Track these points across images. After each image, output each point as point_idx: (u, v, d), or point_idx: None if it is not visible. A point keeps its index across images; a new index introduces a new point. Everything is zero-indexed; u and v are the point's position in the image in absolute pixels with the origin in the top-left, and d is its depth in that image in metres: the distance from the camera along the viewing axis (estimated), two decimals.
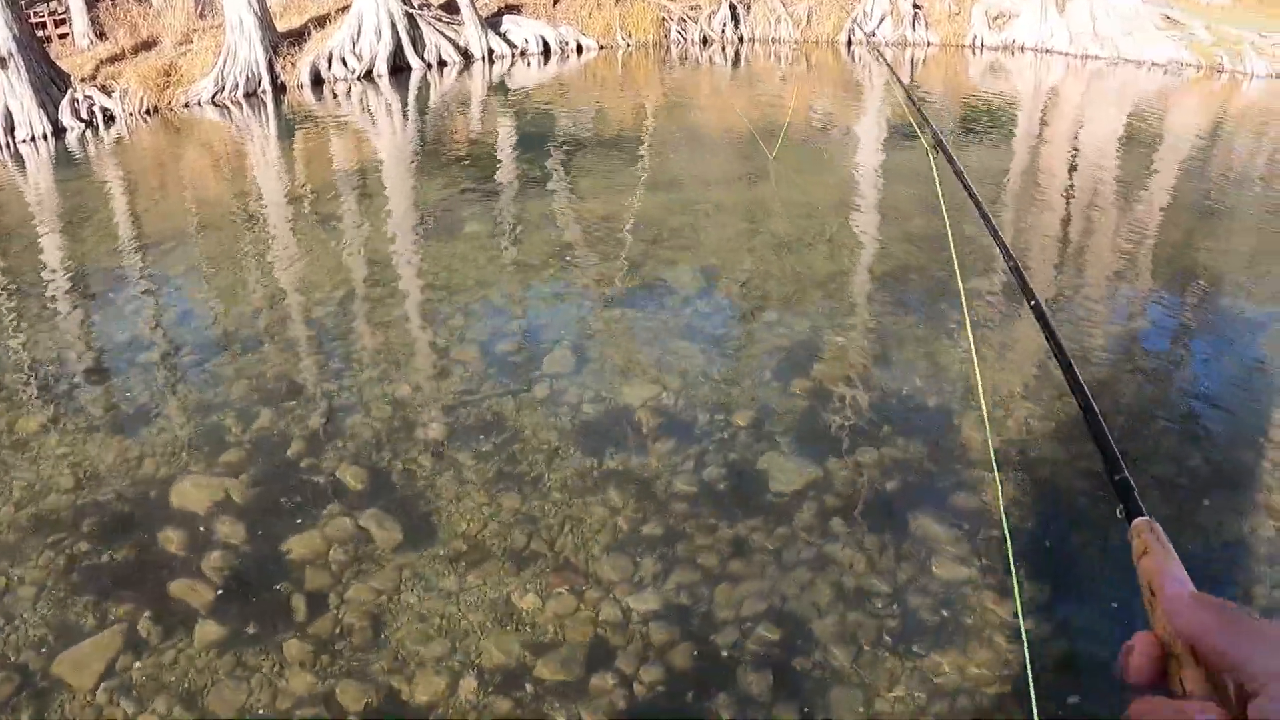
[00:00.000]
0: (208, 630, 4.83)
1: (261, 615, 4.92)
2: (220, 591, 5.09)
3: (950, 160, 1.19)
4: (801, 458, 5.90)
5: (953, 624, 4.66)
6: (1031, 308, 1.40)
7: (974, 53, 20.85)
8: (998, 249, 1.05)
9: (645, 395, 6.67)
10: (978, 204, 1.09)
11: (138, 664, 4.65)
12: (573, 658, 4.54)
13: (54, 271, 10.70)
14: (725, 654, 4.53)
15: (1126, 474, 0.99)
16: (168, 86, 19.31)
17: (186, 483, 6.02)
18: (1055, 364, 1.04)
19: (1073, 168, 13.31)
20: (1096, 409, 1.09)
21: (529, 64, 21.11)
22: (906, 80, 18.92)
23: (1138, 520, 0.89)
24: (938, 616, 4.71)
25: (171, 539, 5.52)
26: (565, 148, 14.05)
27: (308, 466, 6.08)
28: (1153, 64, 19.07)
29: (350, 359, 7.50)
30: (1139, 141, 14.61)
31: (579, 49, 21.88)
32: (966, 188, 1.13)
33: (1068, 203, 11.64)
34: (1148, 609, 0.78)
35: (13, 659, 4.73)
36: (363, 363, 7.41)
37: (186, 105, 19.00)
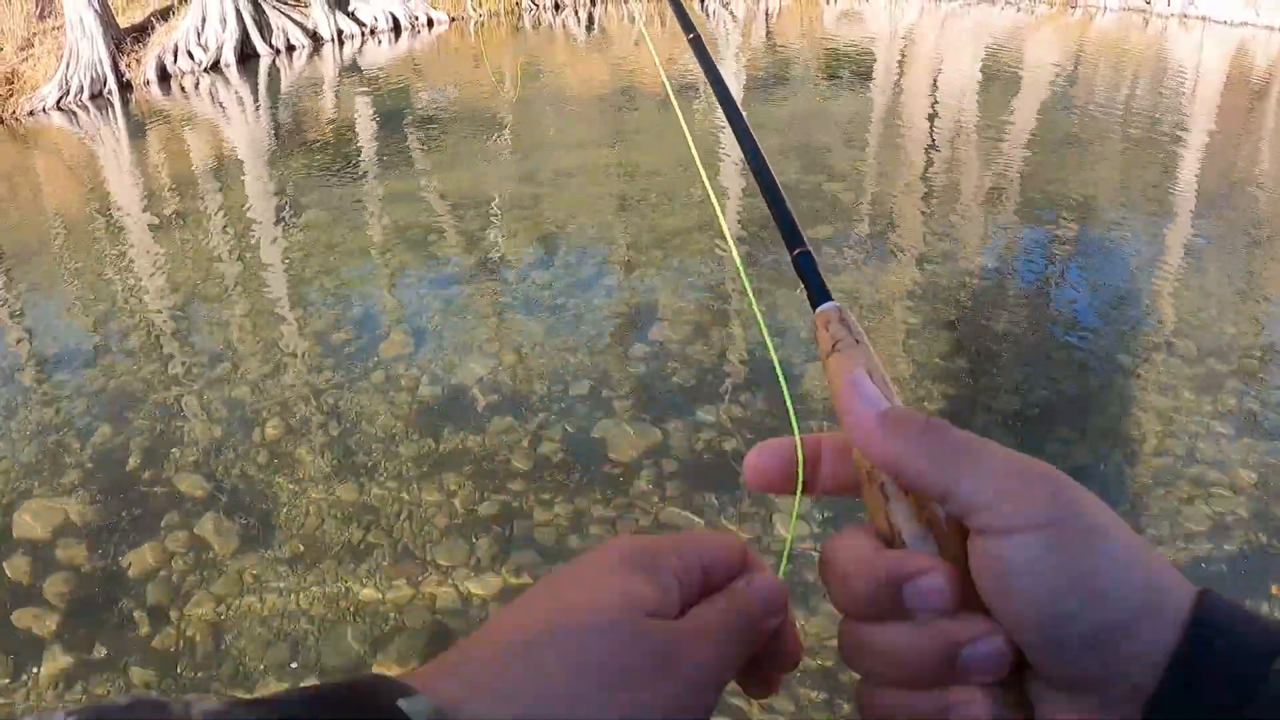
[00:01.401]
0: (55, 661, 4.72)
1: (106, 637, 4.83)
2: (65, 617, 4.98)
3: (733, 117, 0.97)
4: (640, 423, 5.94)
5: (800, 582, 4.74)
6: (691, 40, 1.15)
7: (829, 1, 20.94)
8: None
9: (481, 372, 6.64)
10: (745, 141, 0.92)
11: None
12: (411, 647, 4.54)
13: None
14: None
15: (808, 248, 0.77)
16: (11, 95, 18.64)
17: (27, 508, 5.87)
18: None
19: (934, 107, 13.50)
20: (769, 166, 0.88)
21: (380, 42, 20.69)
22: (760, 34, 19.04)
23: (825, 307, 0.71)
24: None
25: (15, 567, 5.38)
26: (414, 126, 13.86)
27: (147, 479, 5.96)
28: (1006, 2, 19.33)
29: (190, 363, 7.35)
30: (999, 78, 14.88)
31: (430, 23, 21.52)
32: (743, 140, 0.96)
33: (932, 141, 11.82)
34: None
35: None
36: (202, 366, 7.27)
37: (31, 113, 18.37)
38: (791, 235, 0.78)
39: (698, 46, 1.17)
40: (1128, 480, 5.41)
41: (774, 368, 6.50)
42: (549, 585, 0.62)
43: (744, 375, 6.47)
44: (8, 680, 4.67)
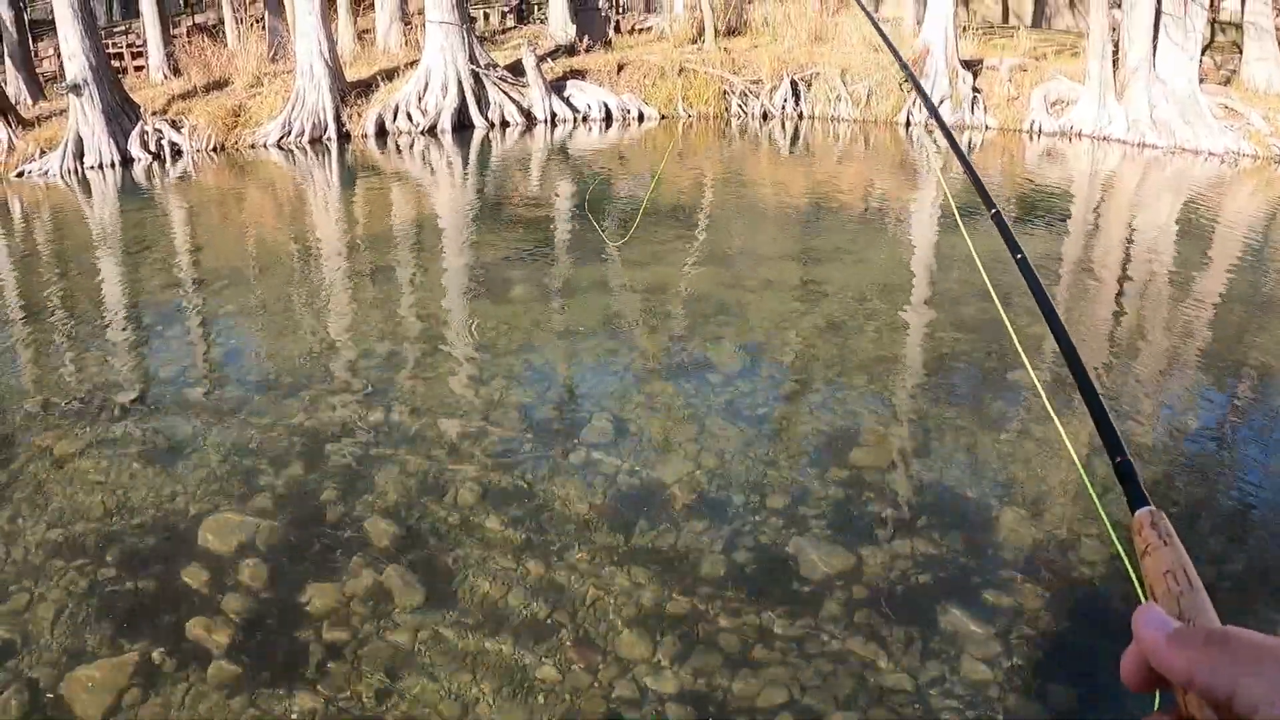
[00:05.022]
0: (221, 670, 4.80)
1: (276, 661, 4.89)
2: (237, 633, 5.07)
3: (1007, 235, 1.25)
4: (833, 545, 5.79)
5: None
6: (993, 214, 1.38)
7: (1031, 138, 20.77)
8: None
9: (680, 472, 6.59)
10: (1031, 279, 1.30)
11: (148, 697, 4.64)
12: None
13: (108, 299, 10.91)
14: None
15: (1129, 457, 0.90)
16: (236, 126, 19.77)
17: (215, 522, 6.04)
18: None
19: (1127, 256, 13.21)
20: (1093, 380, 1.01)
21: (590, 130, 21.34)
22: (960, 165, 18.93)
23: (1140, 512, 0.83)
24: (961, 718, 4.58)
25: (194, 576, 5.53)
26: (619, 215, 14.09)
27: (336, 517, 6.07)
28: (1210, 153, 18.89)
29: (389, 412, 7.50)
30: (1195, 231, 14.50)
31: (640, 117, 22.11)
32: (1022, 264, 1.17)
33: (1121, 292, 11.52)
34: None
35: (25, 676, 4.76)
36: (401, 417, 7.41)
37: (252, 146, 19.41)
38: (1114, 443, 0.93)
39: (999, 222, 1.34)
40: None
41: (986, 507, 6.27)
42: None
43: (943, 511, 6.25)
44: (169, 679, 4.75)
